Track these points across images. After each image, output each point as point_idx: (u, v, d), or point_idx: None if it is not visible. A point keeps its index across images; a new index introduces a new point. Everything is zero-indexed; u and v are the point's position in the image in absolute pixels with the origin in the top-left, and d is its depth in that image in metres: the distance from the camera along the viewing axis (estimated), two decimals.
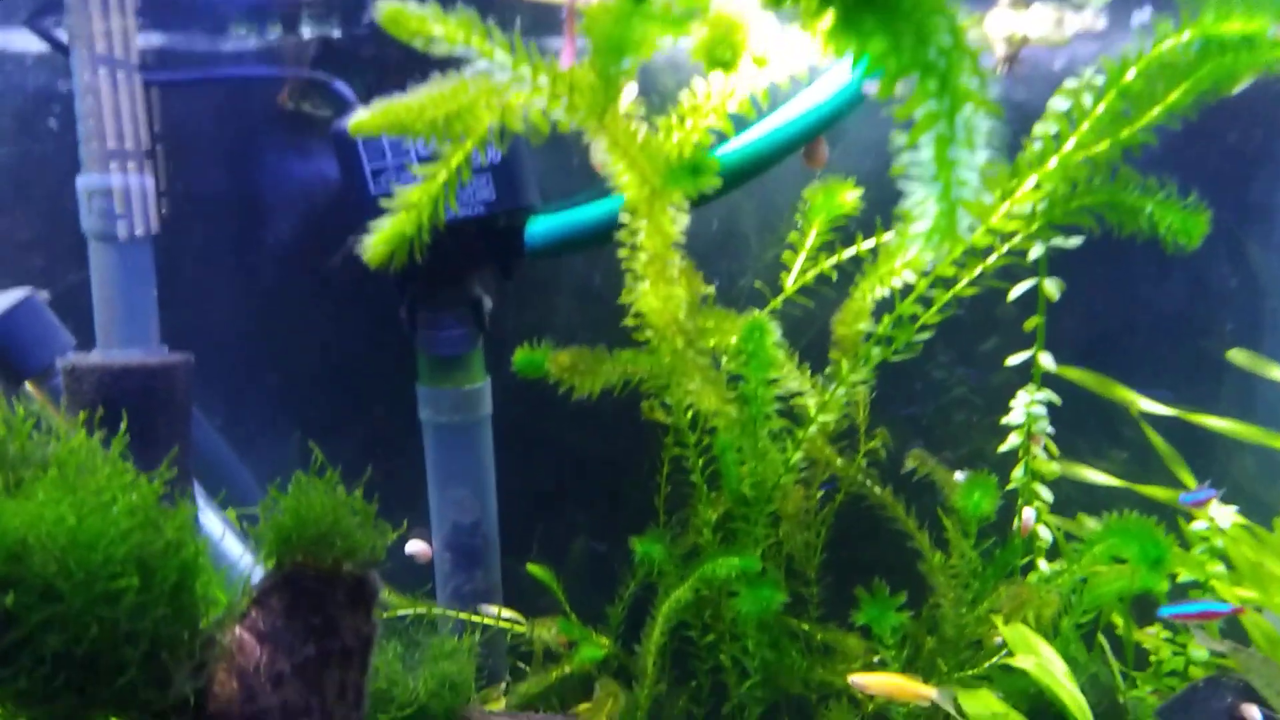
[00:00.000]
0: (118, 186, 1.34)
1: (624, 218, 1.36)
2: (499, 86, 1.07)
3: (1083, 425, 1.83)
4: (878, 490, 1.47)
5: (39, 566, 0.85)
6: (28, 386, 1.47)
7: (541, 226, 1.48)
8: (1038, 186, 1.28)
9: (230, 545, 1.43)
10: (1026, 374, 1.61)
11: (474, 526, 1.62)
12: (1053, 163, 1.27)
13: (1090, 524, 1.45)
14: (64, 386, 1.35)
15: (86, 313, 1.50)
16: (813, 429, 1.42)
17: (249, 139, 1.63)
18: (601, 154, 1.43)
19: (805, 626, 1.57)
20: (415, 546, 1.63)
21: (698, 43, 1.09)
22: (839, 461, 1.47)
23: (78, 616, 0.87)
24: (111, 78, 1.34)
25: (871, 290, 1.28)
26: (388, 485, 1.25)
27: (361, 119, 1.03)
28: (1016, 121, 1.76)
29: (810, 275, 1.55)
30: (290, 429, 1.77)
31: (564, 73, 0.98)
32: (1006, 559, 1.53)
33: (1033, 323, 1.60)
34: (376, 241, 1.05)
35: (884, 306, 1.39)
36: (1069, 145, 1.29)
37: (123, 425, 1.06)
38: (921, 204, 1.08)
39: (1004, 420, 1.58)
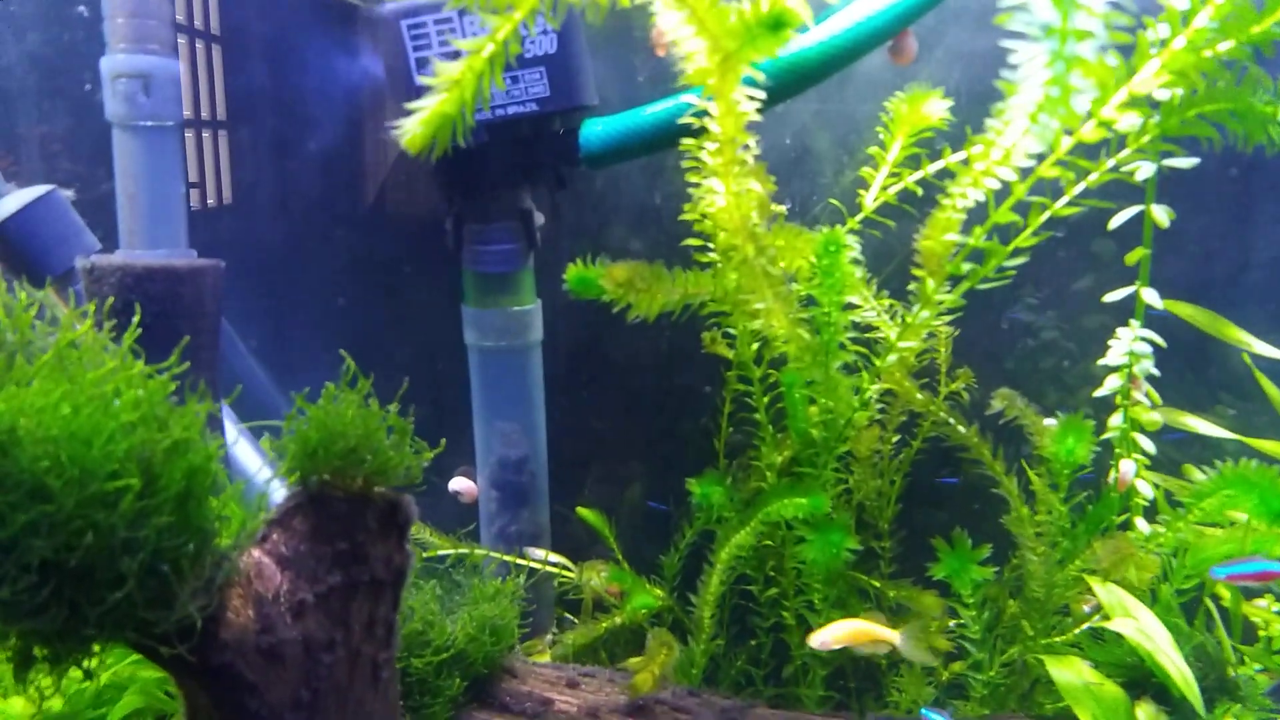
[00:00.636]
0: (144, 68, 1.23)
1: (690, 101, 1.23)
2: None
3: (1183, 375, 1.66)
4: (961, 429, 1.32)
5: (28, 461, 0.75)
6: (48, 289, 1.38)
7: (598, 130, 1.35)
8: (1149, 89, 1.11)
9: (247, 459, 1.32)
10: (1125, 316, 1.45)
11: (521, 462, 1.51)
12: (1161, 63, 1.10)
13: (1198, 476, 1.29)
14: (84, 289, 1.24)
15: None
16: (891, 358, 1.28)
17: (287, 29, 1.51)
18: (666, 23, 1.29)
19: (876, 583, 1.44)
20: (459, 483, 1.52)
21: None
22: (919, 396, 1.32)
23: (70, 519, 0.76)
24: None
25: (963, 194, 1.13)
26: (430, 416, 1.13)
27: None
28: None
29: (892, 193, 1.41)
30: (325, 350, 1.66)
31: None
32: (1100, 515, 1.39)
33: (1136, 255, 1.44)
34: (417, 123, 0.93)
35: (974, 221, 1.25)
36: (1182, 42, 1.11)
37: (135, 319, 0.96)
38: (1030, 68, 0.93)
39: (1100, 362, 1.43)
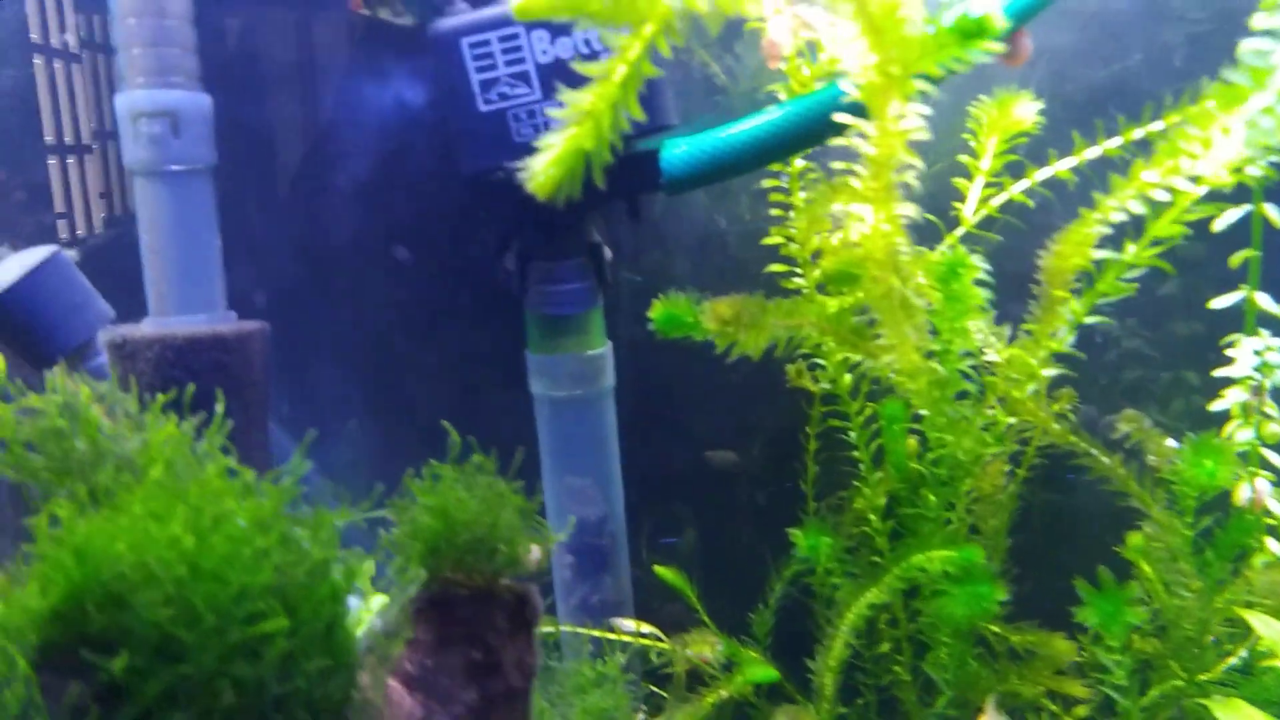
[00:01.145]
0: (171, 105, 1.06)
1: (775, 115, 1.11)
2: None
3: None
4: (1105, 460, 1.21)
5: (150, 611, 0.58)
6: (55, 371, 1.18)
7: (681, 151, 1.21)
8: None
9: None
10: (1216, 322, 1.36)
11: (600, 523, 1.36)
12: None
13: None
14: (112, 365, 1.06)
15: (114, 279, 1.22)
16: (1031, 389, 1.16)
17: (314, 56, 1.34)
18: (779, 33, 1.16)
19: (994, 628, 1.32)
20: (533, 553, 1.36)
21: None
22: (1055, 427, 1.21)
23: (210, 680, 0.60)
24: None
25: (1120, 207, 1.02)
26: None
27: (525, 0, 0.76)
28: (1217, 20, 1.52)
29: (993, 205, 1.30)
30: (355, 409, 1.49)
31: None
32: (1234, 540, 1.29)
33: (1243, 256, 1.35)
34: (548, 164, 0.78)
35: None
36: None
37: (219, 409, 0.79)
38: (1265, 73, 0.83)
39: (1219, 372, 1.33)
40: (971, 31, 0.77)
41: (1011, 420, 1.19)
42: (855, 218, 0.94)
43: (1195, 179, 0.95)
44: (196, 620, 0.59)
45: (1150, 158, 0.97)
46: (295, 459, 0.72)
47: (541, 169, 0.78)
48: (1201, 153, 0.88)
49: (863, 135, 0.87)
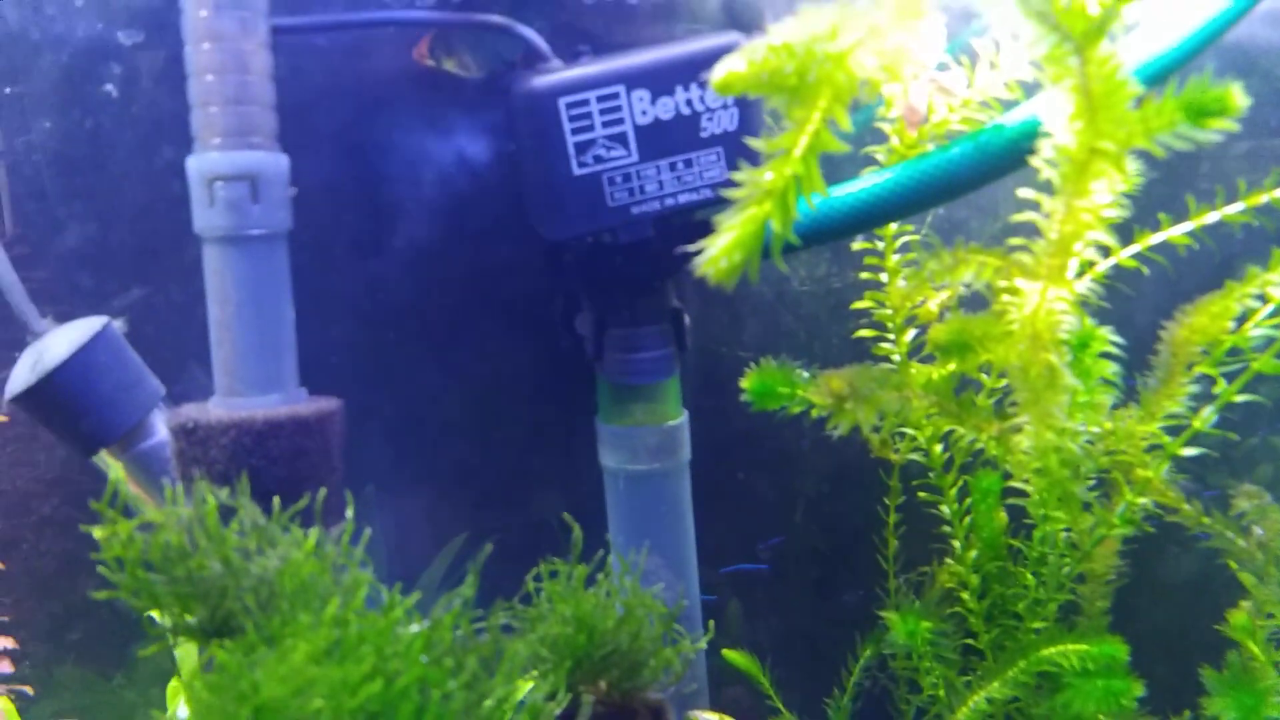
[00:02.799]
0: (251, 167, 0.97)
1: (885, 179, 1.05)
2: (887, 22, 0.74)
3: None
4: (1230, 535, 1.15)
5: None
6: (103, 455, 1.08)
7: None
8: None
9: None
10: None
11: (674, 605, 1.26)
12: None
13: None
14: (179, 453, 0.96)
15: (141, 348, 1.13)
16: (1165, 468, 1.10)
17: (373, 108, 1.26)
18: (919, 99, 1.11)
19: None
20: None
21: None
22: (1187, 508, 1.15)
23: None
24: (240, 19, 0.97)
25: (1276, 282, 0.97)
26: (553, 555, 0.90)
27: (735, 70, 0.70)
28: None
29: (1099, 271, 1.24)
30: (413, 483, 1.39)
31: None
32: None
33: None
34: (729, 248, 0.71)
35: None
36: None
37: (349, 513, 0.70)
38: None
39: None
40: (1210, 109, 0.71)
41: (1142, 500, 1.12)
42: (1019, 292, 0.88)
43: None
44: None
45: None
46: (468, 582, 0.63)
47: (722, 252, 0.70)
48: None
49: (1046, 213, 0.81)
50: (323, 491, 0.72)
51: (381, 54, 1.26)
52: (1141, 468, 1.11)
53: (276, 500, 0.69)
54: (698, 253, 1.11)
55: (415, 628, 0.59)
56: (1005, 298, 0.91)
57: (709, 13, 1.34)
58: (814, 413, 1.11)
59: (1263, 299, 1.02)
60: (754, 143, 0.76)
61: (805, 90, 0.73)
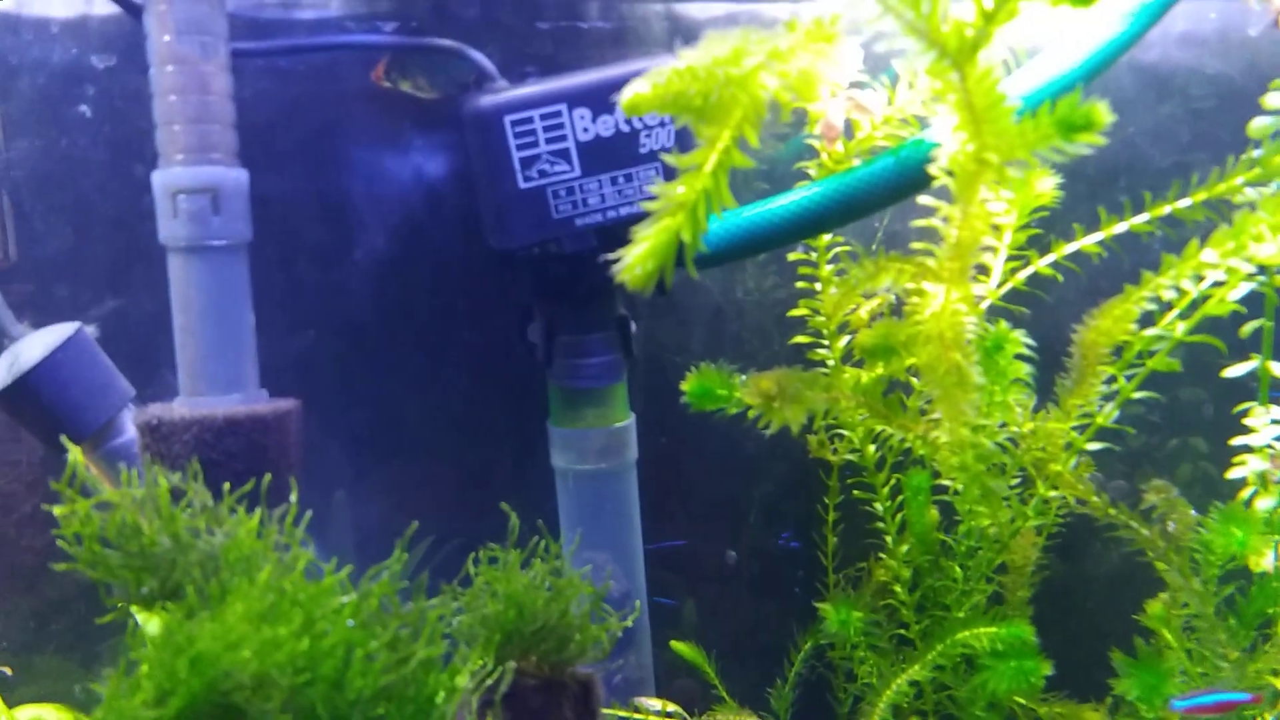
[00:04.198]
0: (212, 181, 1.04)
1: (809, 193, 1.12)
2: (791, 46, 0.82)
3: None
4: (1145, 532, 1.22)
5: (266, 718, 0.55)
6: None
7: (716, 225, 1.22)
8: None
9: None
10: (1223, 390, 1.39)
11: (623, 600, 1.33)
12: None
13: None
14: (144, 448, 1.03)
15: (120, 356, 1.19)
16: (1074, 463, 1.18)
17: (331, 127, 1.33)
18: (836, 116, 1.18)
19: (1022, 700, 1.32)
20: None
21: None
22: (1095, 500, 1.22)
23: None
24: (201, 44, 1.03)
25: (1170, 284, 1.05)
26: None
27: (639, 93, 0.77)
28: (1218, 97, 1.58)
29: (1018, 278, 1.32)
30: (367, 486, 1.45)
31: (934, 5, 0.72)
32: (1257, 607, 1.31)
33: (1253, 326, 1.39)
34: (643, 256, 0.77)
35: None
36: None
37: (293, 497, 0.76)
38: None
39: (1238, 440, 1.36)
40: (1079, 124, 0.78)
41: (1053, 493, 1.19)
42: (925, 295, 0.95)
43: (1251, 259, 0.97)
44: None
45: (1205, 236, 0.99)
46: (396, 554, 0.69)
47: (637, 260, 0.77)
48: (1269, 235, 0.91)
49: (945, 218, 0.88)
50: (267, 477, 0.78)
51: (343, 76, 1.32)
52: (1053, 462, 1.18)
53: (227, 486, 0.75)
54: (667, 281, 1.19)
55: (346, 598, 0.65)
56: (914, 300, 0.98)
57: (656, 36, 1.42)
58: (750, 414, 1.18)
59: (1158, 301, 1.09)
60: (668, 158, 0.82)
61: (710, 111, 0.80)
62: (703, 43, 0.81)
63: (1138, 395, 1.16)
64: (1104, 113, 0.77)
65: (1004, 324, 1.14)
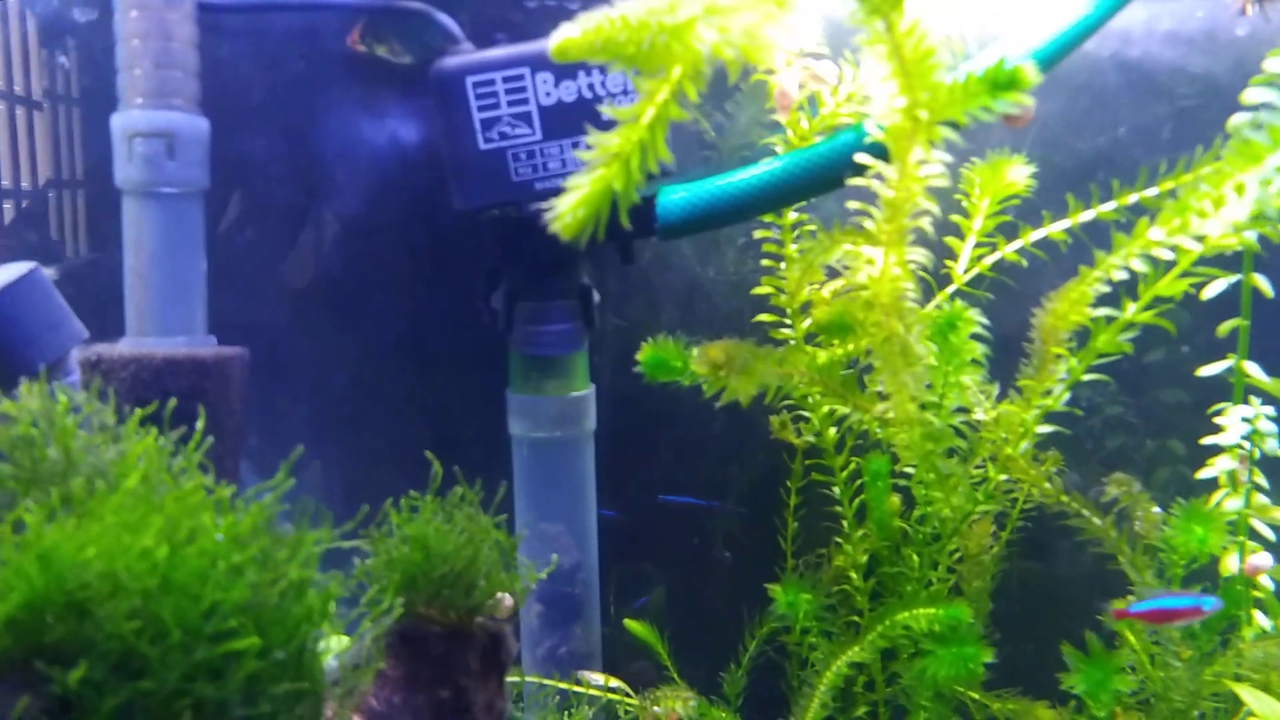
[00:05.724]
0: (168, 126, 1.05)
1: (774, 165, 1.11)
2: (732, 3, 0.81)
3: None
4: (1096, 521, 1.20)
5: (114, 623, 0.55)
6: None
7: (679, 198, 1.21)
8: None
9: None
10: (1202, 391, 1.36)
11: (573, 571, 1.33)
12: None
13: None
14: (86, 384, 1.04)
15: (96, 303, 1.20)
16: (1024, 446, 1.16)
17: (306, 89, 1.34)
18: (790, 84, 1.17)
19: (975, 695, 1.30)
20: (504, 600, 1.33)
21: None
22: (1047, 486, 1.20)
23: (171, 699, 0.56)
24: None
25: (1123, 263, 1.02)
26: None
27: (569, 37, 0.76)
28: (1203, 95, 1.55)
29: (985, 264, 1.30)
30: (331, 447, 1.46)
31: None
32: (1225, 611, 1.28)
33: (1230, 325, 1.36)
34: (576, 204, 0.77)
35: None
36: None
37: (200, 422, 0.77)
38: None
39: (1209, 440, 1.33)
40: (1004, 82, 0.77)
41: (1002, 477, 1.18)
42: (866, 260, 0.94)
43: (1200, 239, 0.95)
44: (163, 635, 0.56)
45: (1155, 216, 0.98)
46: (279, 476, 0.69)
47: (569, 209, 0.77)
48: (1211, 211, 0.89)
49: (881, 178, 0.87)
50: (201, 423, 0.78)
51: (320, 38, 1.33)
52: (1009, 447, 1.16)
53: (128, 408, 0.75)
54: (605, 234, 1.18)
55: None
56: (854, 266, 0.97)
57: None
58: (707, 388, 1.18)
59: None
60: (605, 110, 0.82)
61: (644, 60, 0.80)
62: None
63: (1118, 395, 1.14)
64: (1031, 72, 0.76)
65: (959, 303, 1.13)
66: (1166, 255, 0.99)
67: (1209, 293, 1.33)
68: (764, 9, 0.88)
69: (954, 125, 0.84)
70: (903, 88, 0.80)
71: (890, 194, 0.88)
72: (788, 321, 1.32)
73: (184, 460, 0.73)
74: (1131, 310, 1.07)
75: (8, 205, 1.32)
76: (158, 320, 1.06)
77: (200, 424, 0.77)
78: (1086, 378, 1.14)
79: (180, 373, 1.02)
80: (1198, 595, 1.17)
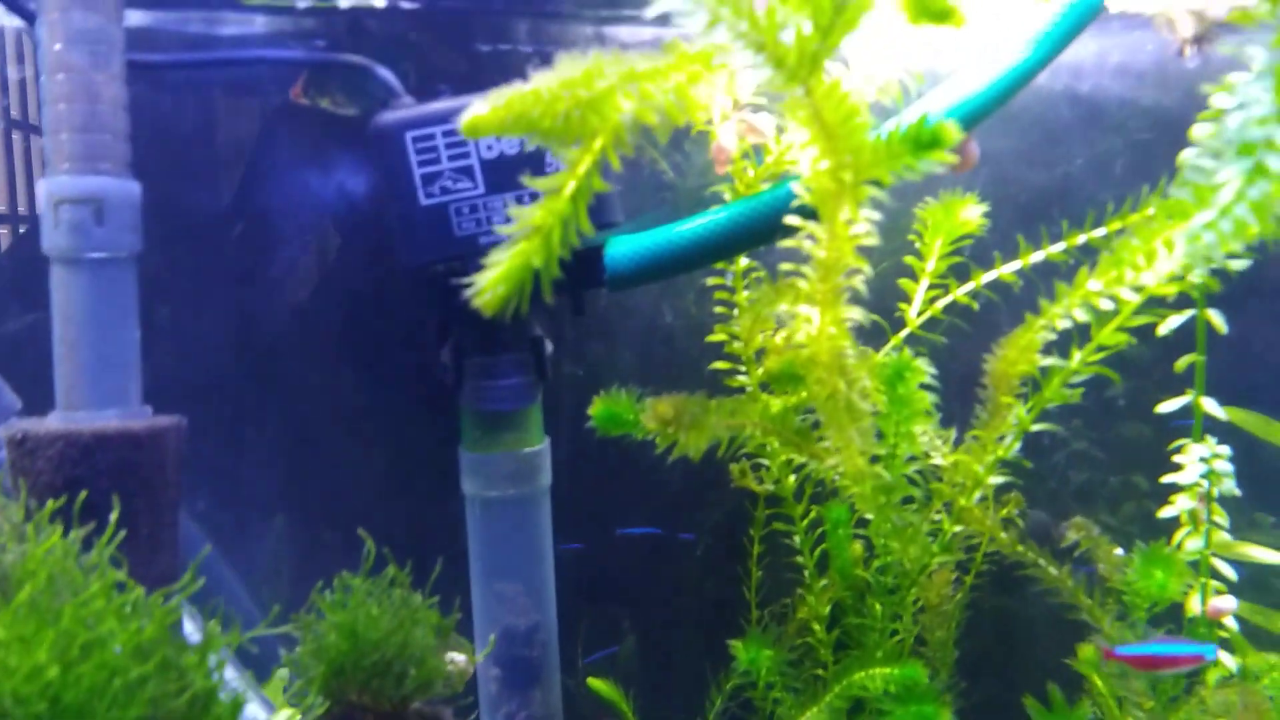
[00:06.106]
0: (96, 191, 1.02)
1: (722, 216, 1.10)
2: (651, 68, 0.80)
3: None
4: (1053, 571, 1.18)
5: None
6: None
7: (626, 249, 1.19)
8: None
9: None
10: (1162, 425, 1.35)
11: (530, 632, 1.30)
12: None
13: None
14: (10, 463, 1.01)
15: (29, 373, 1.17)
16: (978, 497, 1.14)
17: (248, 143, 1.31)
18: (728, 140, 1.16)
19: None
20: (457, 658, 1.30)
21: None
22: (1002, 536, 1.18)
23: None
24: (92, 53, 1.02)
25: (1065, 314, 1.01)
26: (415, 581, 0.94)
27: (478, 114, 0.75)
28: (1155, 129, 1.55)
29: (937, 306, 1.29)
30: (282, 510, 1.43)
31: (773, 14, 0.70)
32: None
33: (1187, 361, 1.35)
34: (495, 280, 0.75)
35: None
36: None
37: (113, 516, 0.74)
38: (1215, 187, 0.82)
39: (1168, 479, 1.32)
40: (926, 141, 0.76)
41: (958, 529, 1.16)
42: (802, 319, 0.92)
43: (1138, 288, 0.94)
44: None
45: (1095, 266, 0.97)
46: (185, 578, 0.67)
47: (489, 285, 0.75)
48: (1144, 264, 0.88)
49: (812, 238, 0.86)
50: (115, 515, 0.75)
51: (263, 91, 1.31)
52: (962, 497, 1.14)
53: (47, 504, 0.73)
54: (556, 285, 1.16)
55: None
56: (794, 325, 0.96)
57: None
58: (658, 443, 1.16)
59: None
60: (529, 181, 0.80)
61: (560, 133, 0.78)
62: (556, 64, 0.79)
63: (1084, 430, 1.12)
64: (953, 130, 0.74)
65: (906, 352, 1.11)
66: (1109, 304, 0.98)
67: (1164, 329, 1.32)
68: (690, 70, 0.87)
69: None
70: (824, 151, 0.78)
71: (822, 254, 0.86)
72: (743, 369, 1.31)
73: (95, 556, 0.71)
74: (1078, 359, 1.05)
75: None
76: (88, 392, 1.03)
77: (114, 515, 0.75)
78: (1041, 424, 1.13)
79: (110, 448, 0.99)
80: (1200, 643, 1.15)
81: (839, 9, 0.67)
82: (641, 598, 1.58)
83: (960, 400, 1.21)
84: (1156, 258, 0.87)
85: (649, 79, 0.81)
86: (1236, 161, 0.73)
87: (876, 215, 0.84)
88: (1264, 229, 0.74)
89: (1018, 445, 1.12)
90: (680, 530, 1.55)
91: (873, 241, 0.84)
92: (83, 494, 0.75)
